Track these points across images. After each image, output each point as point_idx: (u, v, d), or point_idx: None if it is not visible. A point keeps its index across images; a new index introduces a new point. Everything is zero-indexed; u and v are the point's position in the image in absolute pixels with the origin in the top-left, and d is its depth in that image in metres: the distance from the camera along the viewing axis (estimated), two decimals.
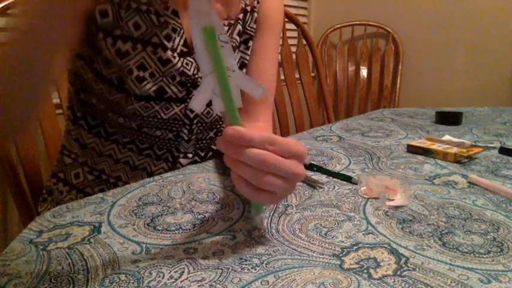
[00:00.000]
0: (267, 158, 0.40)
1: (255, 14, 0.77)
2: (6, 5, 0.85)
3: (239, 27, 0.75)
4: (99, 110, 0.73)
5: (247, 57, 0.78)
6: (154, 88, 0.68)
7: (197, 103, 0.42)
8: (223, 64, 0.40)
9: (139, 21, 0.65)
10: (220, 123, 0.80)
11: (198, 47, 0.40)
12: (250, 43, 0.78)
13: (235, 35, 0.75)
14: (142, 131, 0.73)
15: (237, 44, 0.75)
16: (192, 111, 0.73)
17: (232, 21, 0.74)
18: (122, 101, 0.69)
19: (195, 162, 0.78)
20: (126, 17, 0.65)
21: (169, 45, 0.68)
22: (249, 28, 0.77)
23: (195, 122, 0.75)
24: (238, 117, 0.42)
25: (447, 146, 0.79)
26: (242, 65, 0.77)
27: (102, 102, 0.72)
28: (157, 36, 0.67)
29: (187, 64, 0.70)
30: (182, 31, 0.69)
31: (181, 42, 0.69)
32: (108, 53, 0.66)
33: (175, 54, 0.68)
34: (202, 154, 0.80)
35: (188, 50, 0.70)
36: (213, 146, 0.82)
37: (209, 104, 0.74)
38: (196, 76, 0.71)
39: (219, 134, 0.82)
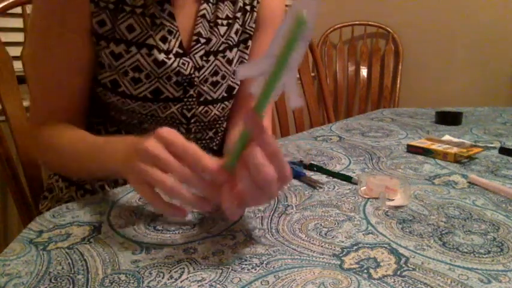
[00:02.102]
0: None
1: (255, 14, 0.77)
2: (5, 5, 0.85)
3: (237, 26, 0.75)
4: (101, 109, 0.74)
5: (247, 57, 0.78)
6: (150, 89, 0.68)
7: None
8: (289, 57, 0.38)
9: (134, 23, 0.66)
10: (220, 122, 0.80)
11: (281, 26, 0.37)
12: (250, 43, 0.77)
13: (232, 34, 0.74)
14: (143, 127, 0.73)
15: (234, 42, 0.75)
16: (188, 110, 0.73)
17: (230, 21, 0.74)
18: (119, 103, 0.69)
19: None
20: (119, 20, 0.65)
21: (164, 47, 0.68)
22: (248, 28, 0.77)
23: (192, 121, 0.74)
24: (265, 106, 0.41)
25: (447, 146, 0.79)
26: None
27: (103, 103, 0.72)
28: (152, 38, 0.67)
29: (183, 64, 0.69)
30: (178, 33, 0.69)
31: (177, 44, 0.69)
32: (104, 56, 0.66)
33: (171, 56, 0.68)
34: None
35: (184, 51, 0.70)
36: (214, 147, 0.82)
37: (206, 103, 0.74)
38: (193, 75, 0.71)
39: (219, 133, 0.81)
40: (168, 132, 0.46)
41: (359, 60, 2.39)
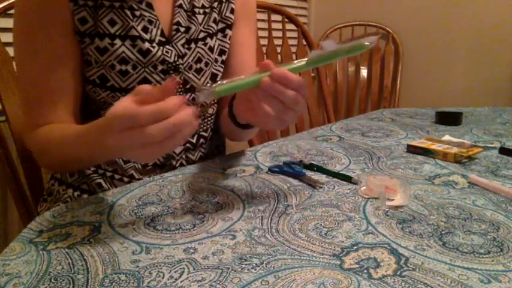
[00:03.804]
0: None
1: (231, 5, 0.81)
2: (5, 5, 0.85)
3: (215, 15, 0.79)
4: (91, 109, 0.74)
5: (226, 45, 0.81)
6: (138, 80, 0.70)
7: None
8: (338, 57, 0.52)
9: (115, 17, 0.67)
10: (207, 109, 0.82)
11: (351, 41, 0.51)
12: (227, 31, 0.81)
13: (211, 23, 0.78)
14: None
15: (214, 31, 0.79)
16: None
17: (207, 10, 0.78)
18: (108, 99, 0.70)
19: (187, 149, 0.79)
20: (100, 15, 0.67)
21: (147, 36, 0.70)
22: (225, 17, 0.81)
23: None
24: (294, 72, 0.52)
25: (447, 146, 0.79)
26: (221, 52, 0.81)
27: (92, 103, 0.73)
28: (134, 29, 0.68)
29: (167, 52, 0.72)
30: (158, 22, 0.71)
31: (159, 33, 0.71)
32: (90, 52, 0.68)
33: (155, 44, 0.70)
34: (194, 140, 0.81)
35: (166, 40, 0.72)
36: (203, 133, 0.82)
37: (191, 90, 0.76)
38: (178, 63, 0.73)
39: (205, 119, 0.83)
40: (121, 109, 0.45)
41: (359, 60, 2.39)
